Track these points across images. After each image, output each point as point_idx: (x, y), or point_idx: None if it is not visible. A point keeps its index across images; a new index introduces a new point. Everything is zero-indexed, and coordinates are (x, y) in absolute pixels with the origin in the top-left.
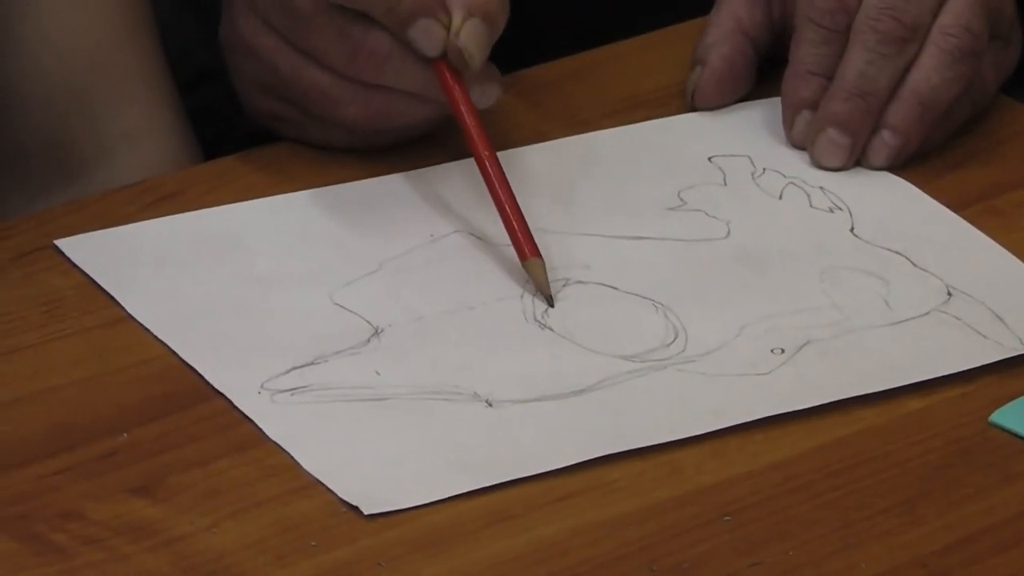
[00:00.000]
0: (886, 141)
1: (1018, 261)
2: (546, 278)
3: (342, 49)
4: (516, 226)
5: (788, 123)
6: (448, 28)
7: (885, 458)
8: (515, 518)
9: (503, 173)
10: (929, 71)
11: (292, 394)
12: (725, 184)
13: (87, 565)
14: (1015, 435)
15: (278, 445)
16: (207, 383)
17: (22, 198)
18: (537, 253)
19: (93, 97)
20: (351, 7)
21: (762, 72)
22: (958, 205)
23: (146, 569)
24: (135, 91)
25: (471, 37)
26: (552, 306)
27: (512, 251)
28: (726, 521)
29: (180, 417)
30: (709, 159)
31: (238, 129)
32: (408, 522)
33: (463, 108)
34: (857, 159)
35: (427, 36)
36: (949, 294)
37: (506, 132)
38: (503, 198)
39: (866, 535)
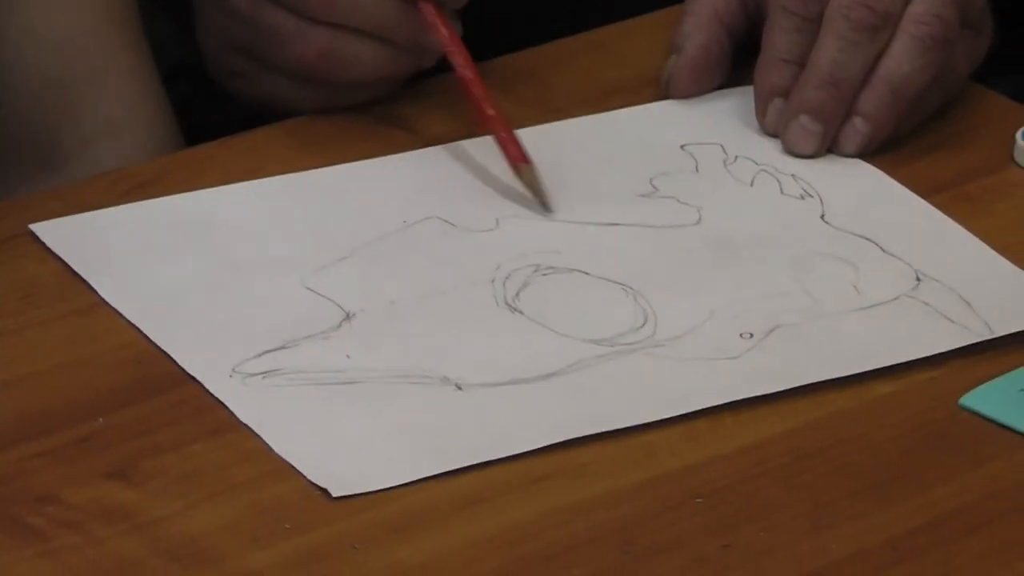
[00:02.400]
0: (858, 128)
1: (986, 247)
2: (539, 182)
3: None
4: (505, 137)
5: (760, 111)
6: None
7: (855, 441)
8: (487, 501)
9: (489, 92)
10: (900, 59)
11: (263, 377)
12: (697, 171)
13: (63, 548)
14: (985, 418)
15: (251, 429)
16: (181, 368)
17: (3, 188)
18: (527, 159)
19: (75, 88)
20: None
21: (735, 60)
22: (929, 192)
23: (122, 552)
24: (117, 82)
25: None
26: (551, 211)
27: (487, 236)
28: (698, 503)
29: (155, 402)
30: (681, 147)
31: (214, 125)
32: (381, 505)
33: (448, 33)
34: (829, 146)
35: None
36: (918, 280)
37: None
38: (491, 114)
39: (836, 517)
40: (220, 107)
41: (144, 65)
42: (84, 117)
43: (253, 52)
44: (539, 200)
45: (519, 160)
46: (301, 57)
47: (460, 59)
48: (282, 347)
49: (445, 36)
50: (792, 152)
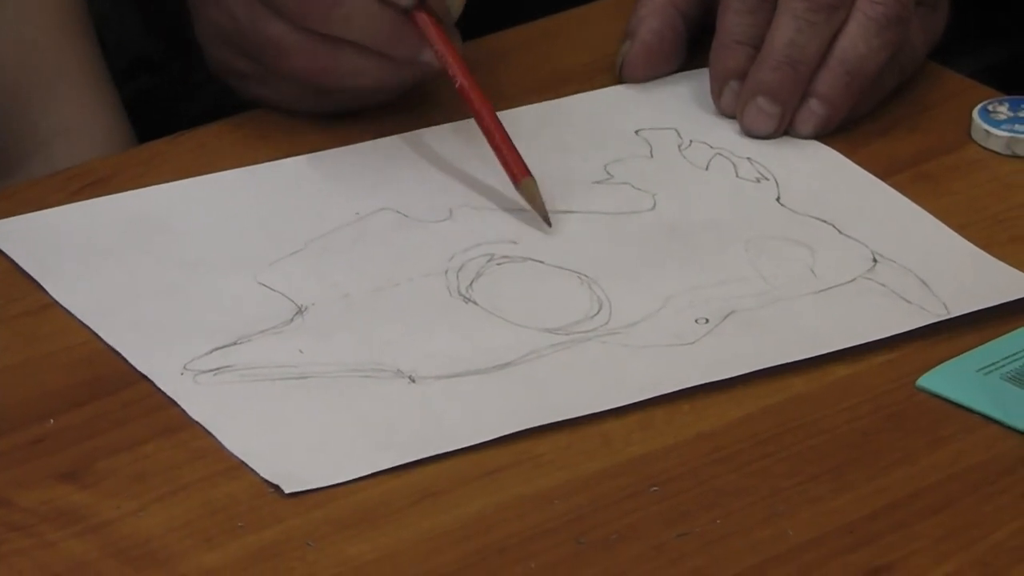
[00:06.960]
0: (814, 110)
1: (944, 226)
2: (540, 197)
3: None
4: (505, 151)
5: (716, 93)
6: None
7: (813, 425)
8: (442, 494)
9: (489, 102)
10: (856, 39)
11: (215, 374)
12: (652, 156)
13: (14, 552)
14: (942, 399)
15: (203, 426)
16: (133, 367)
17: None
18: (528, 173)
19: (29, 93)
20: None
21: (689, 43)
22: (888, 171)
23: (73, 554)
24: (71, 86)
25: None
26: (550, 225)
27: (441, 226)
28: (654, 492)
29: (107, 402)
30: (636, 132)
31: (174, 119)
32: (335, 501)
33: (444, 45)
34: (785, 129)
35: None
36: (875, 261)
37: (434, 110)
38: (491, 125)
39: (794, 502)
40: (180, 100)
41: (97, 68)
42: (39, 121)
43: (256, 58)
44: (539, 215)
45: (520, 174)
46: (303, 70)
47: (458, 71)
48: (234, 343)
49: (441, 49)
50: (750, 133)
